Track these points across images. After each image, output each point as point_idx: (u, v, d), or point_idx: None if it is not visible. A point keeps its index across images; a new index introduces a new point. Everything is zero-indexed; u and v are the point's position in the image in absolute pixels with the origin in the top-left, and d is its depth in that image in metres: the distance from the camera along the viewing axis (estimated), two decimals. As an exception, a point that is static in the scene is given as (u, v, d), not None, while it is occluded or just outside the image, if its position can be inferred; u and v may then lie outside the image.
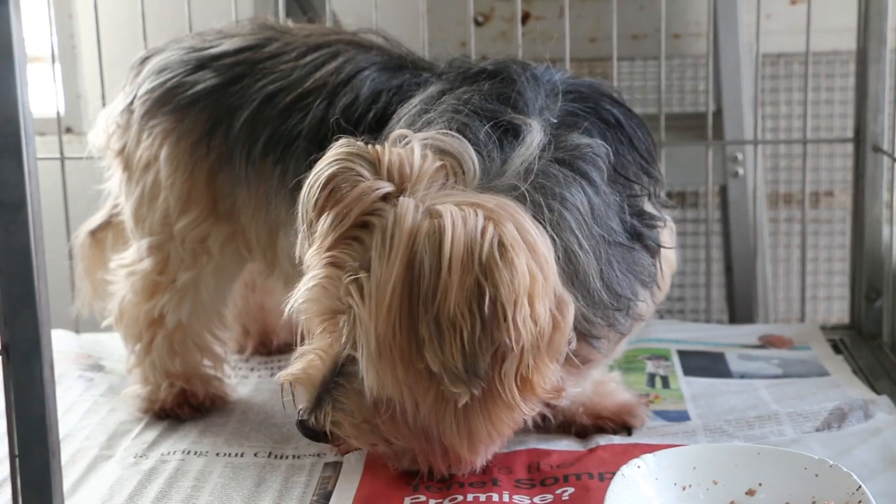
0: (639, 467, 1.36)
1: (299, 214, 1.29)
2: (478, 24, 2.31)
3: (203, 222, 1.64)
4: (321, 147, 1.49)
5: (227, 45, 1.65)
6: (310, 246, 1.29)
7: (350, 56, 1.58)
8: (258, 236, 1.62)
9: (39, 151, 1.94)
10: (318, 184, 1.25)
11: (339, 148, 1.27)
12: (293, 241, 1.55)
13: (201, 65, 1.64)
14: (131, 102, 1.67)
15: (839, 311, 2.16)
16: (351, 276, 1.22)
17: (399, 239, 1.19)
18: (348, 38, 1.64)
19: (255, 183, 1.59)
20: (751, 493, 1.36)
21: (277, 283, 1.74)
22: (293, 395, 1.35)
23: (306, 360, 1.33)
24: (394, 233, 1.19)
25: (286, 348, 1.97)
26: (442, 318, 1.17)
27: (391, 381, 1.23)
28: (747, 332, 2.04)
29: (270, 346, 1.98)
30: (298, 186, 1.51)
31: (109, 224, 1.81)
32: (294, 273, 1.60)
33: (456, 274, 1.16)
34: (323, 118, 1.53)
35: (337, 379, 1.31)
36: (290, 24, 1.78)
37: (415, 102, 1.45)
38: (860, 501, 1.28)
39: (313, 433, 1.34)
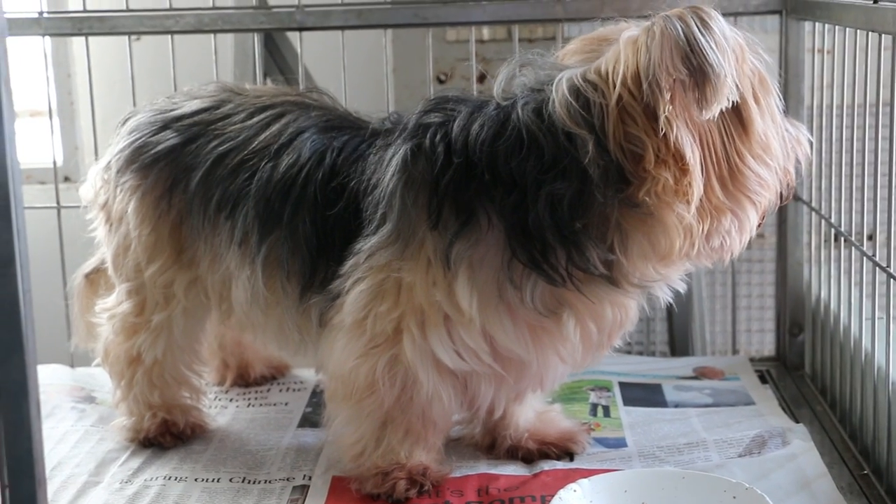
0: (575, 491, 1.39)
1: None
2: (440, 81, 2.35)
3: (168, 270, 1.64)
4: (267, 205, 1.53)
5: (186, 107, 1.65)
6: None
7: (293, 117, 1.58)
8: (213, 286, 1.63)
9: (39, 199, 1.96)
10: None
11: None
12: (243, 292, 1.57)
13: (164, 126, 1.64)
14: (109, 161, 1.68)
15: (770, 344, 2.20)
16: None
17: None
18: (294, 98, 1.63)
19: (211, 237, 1.59)
20: (675, 513, 1.39)
21: (235, 328, 1.75)
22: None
23: None
24: None
25: (262, 380, 1.98)
26: None
27: None
28: (683, 365, 2.04)
29: (248, 378, 1.97)
30: (245, 241, 1.55)
31: (100, 270, 1.81)
32: (247, 323, 1.62)
33: None
34: (269, 178, 1.53)
35: None
36: (265, 84, 1.80)
37: (389, 176, 1.43)
38: (771, 521, 1.32)
39: None
